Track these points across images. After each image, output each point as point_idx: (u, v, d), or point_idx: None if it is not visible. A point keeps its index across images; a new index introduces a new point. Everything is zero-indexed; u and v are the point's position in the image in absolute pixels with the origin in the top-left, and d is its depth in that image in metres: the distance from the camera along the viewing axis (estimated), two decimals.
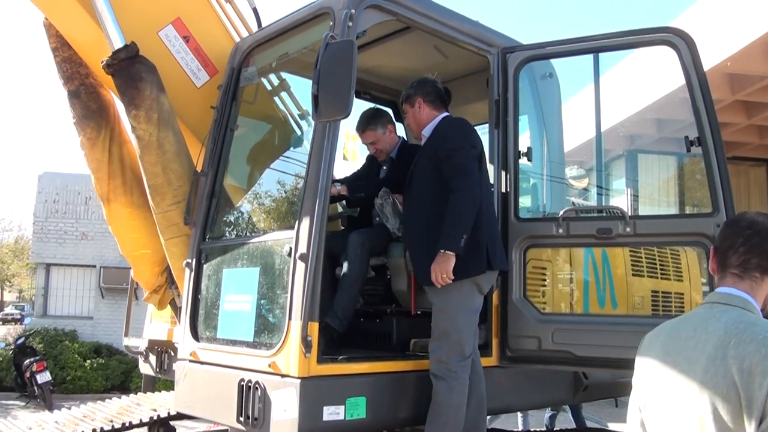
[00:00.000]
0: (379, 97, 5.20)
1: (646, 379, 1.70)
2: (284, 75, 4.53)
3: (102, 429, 4.33)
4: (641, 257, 4.36)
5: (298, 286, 3.01)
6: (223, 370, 3.41)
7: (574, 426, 6.37)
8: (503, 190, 3.78)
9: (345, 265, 3.70)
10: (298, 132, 4.56)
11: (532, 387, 4.02)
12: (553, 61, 4.30)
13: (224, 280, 3.65)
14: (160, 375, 4.97)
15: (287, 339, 3.01)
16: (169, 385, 4.68)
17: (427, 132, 3.61)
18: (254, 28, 4.43)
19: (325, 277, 3.18)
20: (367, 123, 4.20)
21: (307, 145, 3.53)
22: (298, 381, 2.92)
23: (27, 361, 11.31)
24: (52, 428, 4.53)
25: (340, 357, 3.19)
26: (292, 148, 4.63)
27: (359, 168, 4.55)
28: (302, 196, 3.19)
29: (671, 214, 10.00)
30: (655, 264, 4.48)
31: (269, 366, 3.07)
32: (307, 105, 4.12)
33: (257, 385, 3.09)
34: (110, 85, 4.01)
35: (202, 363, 3.62)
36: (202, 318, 3.76)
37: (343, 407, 3.01)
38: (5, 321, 25.63)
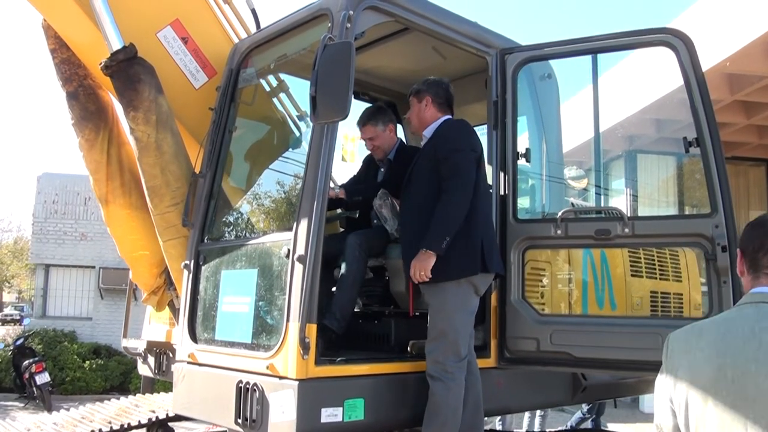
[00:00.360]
0: (378, 98, 5.21)
1: (692, 379, 1.66)
2: (283, 76, 4.55)
3: (100, 430, 4.33)
4: (640, 258, 4.36)
5: (296, 288, 3.01)
6: (221, 371, 3.41)
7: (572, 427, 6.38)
8: (502, 191, 3.79)
9: (343, 267, 3.70)
10: (297, 133, 4.56)
11: (530, 388, 4.02)
12: (551, 61, 4.31)
13: (222, 282, 3.65)
14: (159, 376, 4.96)
15: (285, 341, 3.01)
16: (168, 387, 4.68)
17: (428, 132, 3.62)
18: (253, 29, 4.43)
19: (323, 278, 3.18)
20: (368, 118, 4.21)
21: (305, 146, 3.53)
22: (296, 383, 2.92)
23: (26, 362, 11.31)
24: (50, 429, 4.53)
25: (338, 359, 3.19)
26: (290, 150, 4.63)
27: (357, 173, 4.55)
28: (300, 197, 3.19)
29: (669, 215, 9.99)
30: (654, 264, 4.48)
31: (267, 368, 3.07)
32: (306, 106, 4.12)
33: (255, 387, 3.10)
34: (109, 86, 4.01)
35: (200, 365, 3.62)
36: (200, 320, 3.76)
37: (341, 409, 3.01)
38: (4, 322, 25.59)
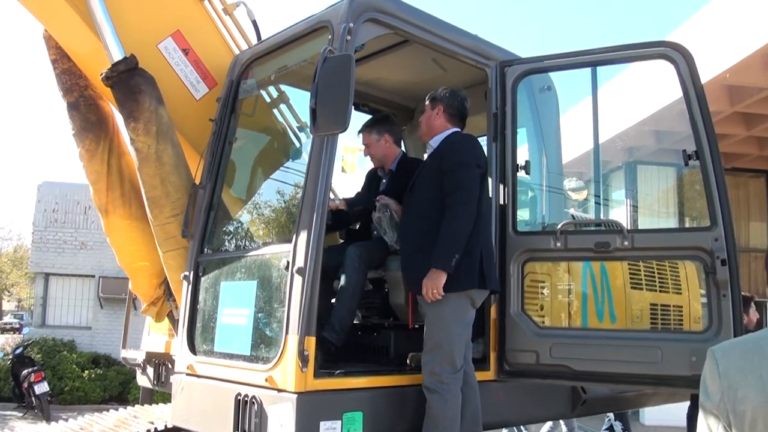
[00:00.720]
0: (378, 110, 5.21)
1: (764, 398, 1.60)
2: (283, 87, 4.56)
3: None
4: (640, 270, 4.35)
5: (295, 300, 3.01)
6: (220, 383, 3.40)
7: None
8: (501, 203, 3.79)
9: (342, 278, 3.69)
10: (297, 144, 4.57)
11: (530, 401, 4.00)
12: (551, 73, 4.32)
13: (222, 293, 3.64)
14: (158, 387, 4.95)
15: (284, 353, 3.00)
16: (166, 398, 4.66)
17: (434, 142, 3.62)
18: (253, 40, 4.44)
19: (323, 290, 3.17)
20: (366, 125, 4.24)
21: (305, 157, 3.53)
22: (295, 396, 2.91)
23: (25, 372, 11.29)
24: None
25: (337, 371, 3.18)
26: (290, 161, 4.64)
27: (360, 189, 4.55)
28: (300, 209, 3.19)
29: (669, 228, 9.97)
30: (654, 277, 4.47)
31: (266, 380, 3.06)
32: (306, 117, 4.14)
33: (254, 400, 3.08)
34: (109, 97, 4.02)
35: (198, 376, 3.61)
36: (199, 331, 3.76)
37: (339, 422, 3.00)
38: (3, 330, 25.58)
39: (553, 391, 4.06)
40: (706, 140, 3.43)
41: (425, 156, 4.03)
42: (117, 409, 5.16)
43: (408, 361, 3.62)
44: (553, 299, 3.93)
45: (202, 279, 3.80)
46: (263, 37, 4.30)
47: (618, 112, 9.24)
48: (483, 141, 4.09)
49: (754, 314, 6.20)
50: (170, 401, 3.96)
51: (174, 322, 4.35)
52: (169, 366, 4.65)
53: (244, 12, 4.48)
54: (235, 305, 3.54)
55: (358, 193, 4.49)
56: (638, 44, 3.72)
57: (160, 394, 6.84)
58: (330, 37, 3.28)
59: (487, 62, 3.93)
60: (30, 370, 11.25)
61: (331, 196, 4.29)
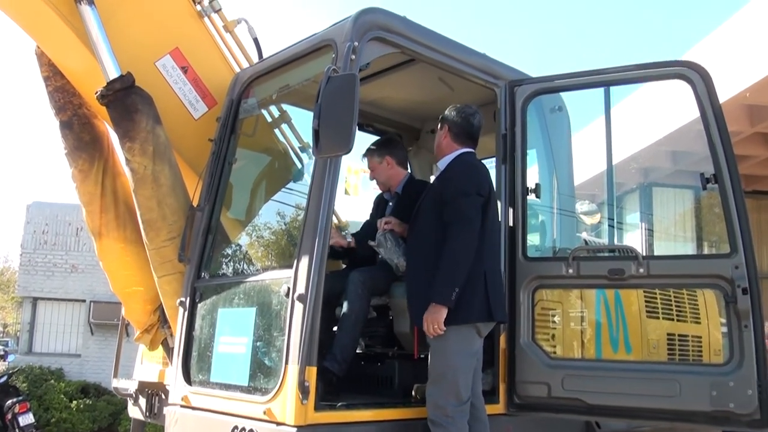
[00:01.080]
0: (383, 130, 5.26)
1: None
2: (285, 107, 4.60)
3: None
4: (656, 298, 4.35)
5: (296, 329, 3.01)
6: (216, 416, 3.39)
7: None
8: (510, 227, 3.80)
9: (345, 305, 3.70)
10: (299, 165, 4.60)
11: None
12: (563, 93, 4.36)
13: (219, 321, 3.65)
14: (150, 419, 4.93)
15: (283, 384, 3.00)
16: (159, 430, 4.65)
17: (442, 164, 3.63)
18: (255, 58, 4.50)
19: (324, 317, 3.18)
20: (368, 149, 4.28)
21: (307, 178, 3.56)
22: (295, 429, 2.90)
23: (9, 402, 11.20)
24: None
25: (339, 404, 3.17)
26: (292, 182, 4.67)
27: (368, 217, 4.54)
28: (301, 233, 3.21)
29: (686, 254, 9.97)
30: (671, 305, 4.46)
31: (264, 413, 3.05)
32: (309, 137, 4.18)
33: None
34: (104, 116, 4.06)
35: (193, 408, 3.60)
36: (195, 360, 3.76)
37: None
38: None
39: (565, 425, 4.02)
40: (725, 162, 3.45)
41: (432, 178, 4.05)
42: None
43: (413, 393, 3.61)
44: (565, 328, 3.92)
45: (199, 305, 3.81)
46: (265, 55, 4.36)
47: (632, 131, 9.28)
48: (491, 162, 4.13)
49: None
50: None
51: (168, 351, 4.35)
52: (163, 396, 4.64)
53: (245, 29, 4.53)
54: (232, 333, 3.55)
55: (367, 222, 4.48)
56: (653, 63, 3.76)
57: (152, 427, 6.82)
58: (334, 55, 3.33)
59: (496, 81, 3.97)
60: (14, 400, 11.17)
61: (344, 233, 4.31)
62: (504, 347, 3.69)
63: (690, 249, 10.77)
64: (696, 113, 3.59)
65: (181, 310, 3.84)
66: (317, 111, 2.93)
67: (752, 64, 7.79)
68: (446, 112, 3.70)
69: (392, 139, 4.48)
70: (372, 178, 4.31)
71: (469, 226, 3.27)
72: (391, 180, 4.26)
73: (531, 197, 3.93)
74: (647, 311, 4.26)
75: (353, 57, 3.23)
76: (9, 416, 11.02)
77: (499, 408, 3.65)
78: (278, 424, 2.99)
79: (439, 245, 3.30)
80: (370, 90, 4.60)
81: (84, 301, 14.49)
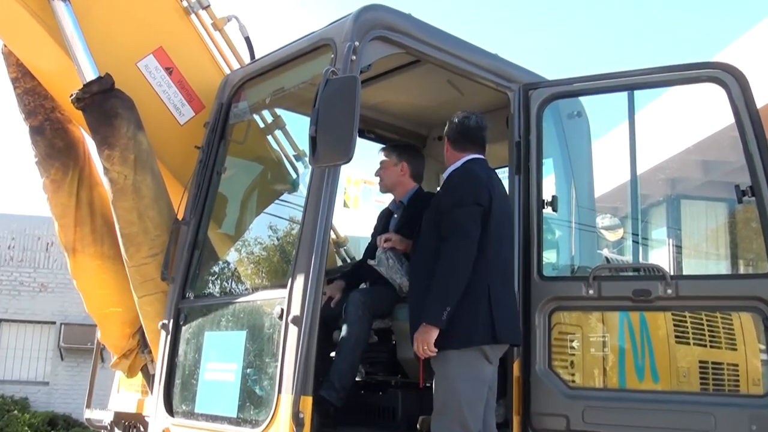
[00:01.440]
0: (386, 137, 5.28)
1: None
2: (279, 112, 4.63)
3: None
4: (686, 321, 4.35)
5: (290, 354, 3.03)
6: None
7: None
8: (524, 243, 3.82)
9: (344, 329, 3.72)
10: (294, 175, 4.64)
11: None
12: (582, 98, 4.39)
13: (205, 345, 3.67)
14: None
15: (276, 415, 3.01)
16: None
17: (445, 175, 3.68)
18: (246, 59, 4.54)
19: (321, 341, 3.19)
20: (389, 145, 4.34)
21: (303, 189, 3.59)
22: None
23: None
24: None
25: None
26: (286, 194, 4.69)
27: (371, 234, 4.53)
28: (297, 249, 3.23)
29: (720, 274, 9.96)
30: (703, 329, 4.46)
31: None
32: (304, 144, 4.20)
33: None
34: (80, 121, 4.09)
35: None
36: (178, 389, 3.77)
37: None
38: None
39: None
40: (762, 173, 3.46)
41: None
42: None
43: (418, 426, 3.62)
44: (585, 354, 3.93)
45: (183, 328, 3.83)
46: (257, 56, 4.39)
47: (659, 139, 9.30)
48: (504, 172, 4.15)
49: None
50: None
51: (149, 378, 4.36)
52: (141, 429, 4.65)
53: (236, 27, 4.57)
54: (220, 359, 3.56)
55: (370, 244, 4.44)
56: (682, 65, 3.76)
57: None
58: (333, 56, 3.36)
59: (509, 85, 3.99)
60: None
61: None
62: (518, 375, 3.69)
63: (723, 268, 10.73)
64: (730, 119, 3.60)
65: (163, 333, 3.85)
66: (314, 116, 2.95)
67: None
68: (448, 122, 3.74)
69: (417, 148, 4.52)
70: (377, 175, 4.34)
71: (464, 239, 3.25)
72: (397, 187, 4.29)
73: (547, 210, 3.95)
74: (676, 336, 4.26)
75: (354, 58, 3.25)
76: None
77: None
78: None
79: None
80: (372, 93, 4.64)
81: (54, 323, 14.50)
